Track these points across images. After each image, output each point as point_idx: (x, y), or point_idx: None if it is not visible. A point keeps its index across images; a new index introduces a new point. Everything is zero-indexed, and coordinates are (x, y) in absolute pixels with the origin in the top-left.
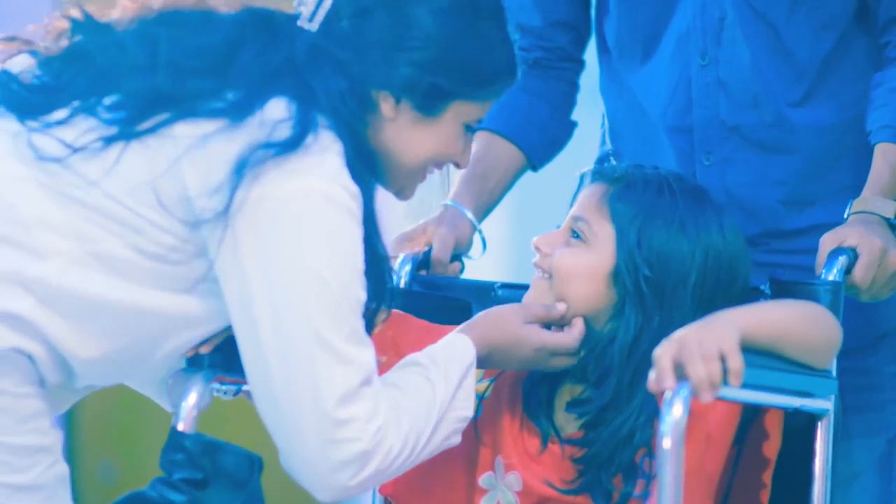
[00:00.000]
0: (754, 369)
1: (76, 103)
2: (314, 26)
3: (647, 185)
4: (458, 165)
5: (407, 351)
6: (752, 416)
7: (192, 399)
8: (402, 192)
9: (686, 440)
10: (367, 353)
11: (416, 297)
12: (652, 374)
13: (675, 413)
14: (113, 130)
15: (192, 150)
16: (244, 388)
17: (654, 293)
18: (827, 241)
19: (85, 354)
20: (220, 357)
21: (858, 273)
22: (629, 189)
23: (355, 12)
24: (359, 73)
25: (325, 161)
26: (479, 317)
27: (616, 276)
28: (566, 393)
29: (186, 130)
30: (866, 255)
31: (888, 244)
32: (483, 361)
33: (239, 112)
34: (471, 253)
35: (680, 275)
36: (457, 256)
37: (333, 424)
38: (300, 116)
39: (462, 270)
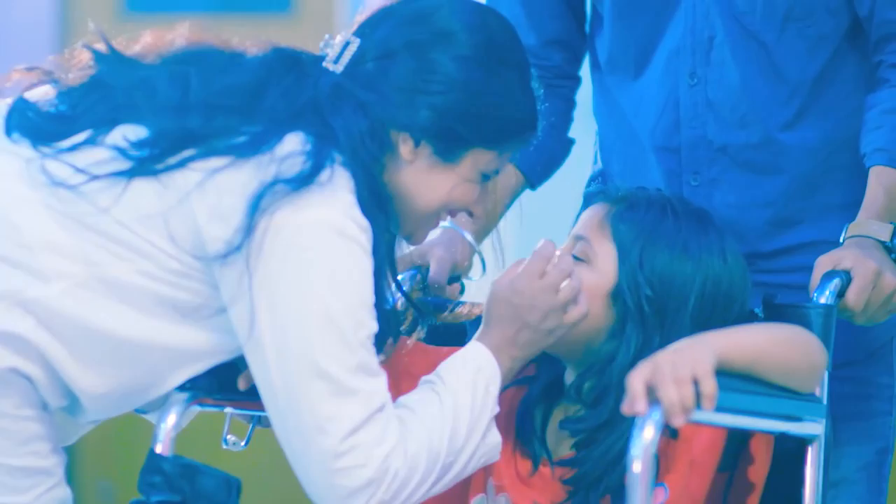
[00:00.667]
0: (730, 393)
1: (90, 132)
2: (339, 68)
3: (650, 207)
4: (470, 214)
5: (421, 376)
6: (741, 440)
7: (170, 421)
8: (413, 237)
9: (672, 464)
10: (375, 384)
11: None
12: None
13: (645, 436)
14: (130, 164)
15: (203, 184)
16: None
17: (656, 313)
18: (822, 264)
19: (86, 382)
20: (204, 379)
21: (851, 296)
22: (632, 210)
23: (380, 55)
24: (380, 113)
25: (336, 195)
26: (487, 308)
27: (616, 295)
28: (561, 413)
29: (199, 165)
30: (860, 279)
31: (883, 267)
32: (511, 347)
33: (254, 146)
34: (471, 274)
35: (681, 296)
36: (456, 278)
37: (335, 456)
38: (315, 151)
39: (462, 292)
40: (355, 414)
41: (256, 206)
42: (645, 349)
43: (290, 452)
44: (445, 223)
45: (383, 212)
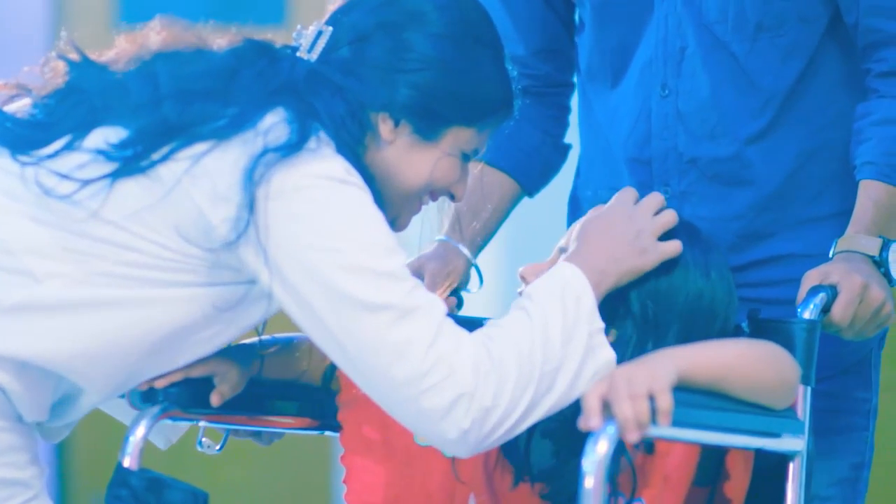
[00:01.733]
0: (689, 409)
1: (69, 138)
2: (314, 56)
3: None
4: (452, 198)
5: None
6: (719, 456)
7: (139, 433)
8: (397, 221)
9: (648, 479)
10: (429, 296)
11: None
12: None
13: (598, 451)
14: (115, 165)
15: (191, 171)
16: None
17: (654, 321)
18: (809, 279)
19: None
20: (176, 392)
21: (837, 311)
22: None
23: (354, 38)
24: (358, 95)
25: (328, 156)
26: (583, 228)
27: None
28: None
29: (183, 154)
30: (846, 293)
31: (870, 281)
32: (601, 260)
33: (235, 126)
34: (469, 287)
35: (669, 310)
36: (453, 291)
37: (420, 376)
38: (299, 121)
39: (461, 306)
40: (426, 328)
41: (251, 178)
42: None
43: (376, 396)
44: (441, 236)
45: (371, 194)
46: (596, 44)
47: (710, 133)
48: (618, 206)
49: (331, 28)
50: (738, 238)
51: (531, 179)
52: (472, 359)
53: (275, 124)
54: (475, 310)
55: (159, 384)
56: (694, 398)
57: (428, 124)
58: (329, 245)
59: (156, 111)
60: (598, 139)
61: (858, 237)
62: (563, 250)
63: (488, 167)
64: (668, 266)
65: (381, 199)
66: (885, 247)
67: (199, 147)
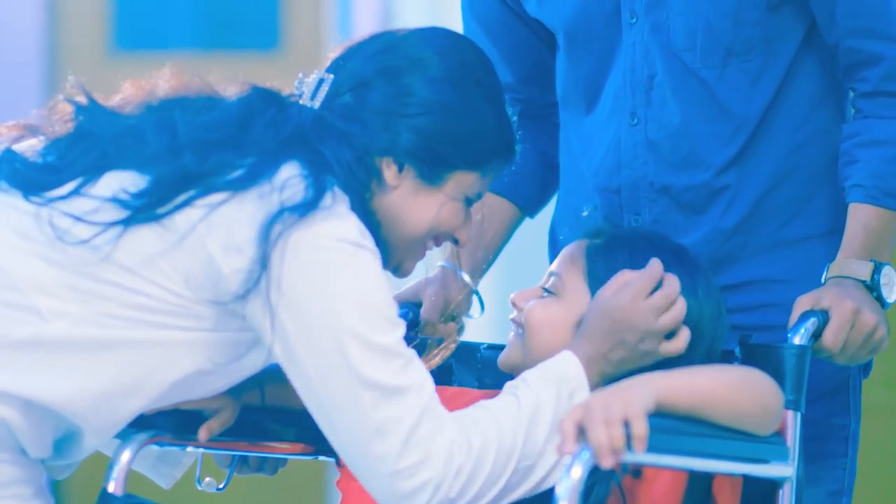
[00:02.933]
0: (666, 435)
1: (80, 180)
2: (316, 104)
3: (624, 242)
4: (456, 242)
5: None
6: (707, 482)
7: (124, 458)
8: (401, 268)
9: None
10: (420, 375)
11: None
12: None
13: (572, 476)
14: (130, 212)
15: (207, 218)
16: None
17: None
18: (801, 304)
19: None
20: (163, 419)
21: (829, 336)
22: (606, 245)
23: (355, 85)
24: (363, 141)
25: (343, 214)
26: (588, 320)
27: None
28: None
29: (200, 202)
30: (837, 318)
31: (861, 305)
32: (601, 363)
33: (252, 178)
34: (471, 312)
35: None
36: (452, 318)
37: (397, 457)
38: (314, 178)
39: (461, 332)
40: (411, 410)
41: (267, 237)
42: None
43: (352, 465)
44: (442, 262)
45: (376, 240)
46: (569, 71)
47: (681, 161)
48: (634, 295)
49: (332, 75)
50: (710, 262)
51: (530, 201)
52: (448, 449)
53: (290, 178)
54: (477, 335)
55: (148, 411)
56: (672, 424)
57: (431, 168)
58: (335, 312)
59: (175, 160)
60: (573, 167)
61: (849, 262)
62: (553, 274)
63: (488, 192)
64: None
65: (386, 244)
66: (876, 270)
67: (216, 197)
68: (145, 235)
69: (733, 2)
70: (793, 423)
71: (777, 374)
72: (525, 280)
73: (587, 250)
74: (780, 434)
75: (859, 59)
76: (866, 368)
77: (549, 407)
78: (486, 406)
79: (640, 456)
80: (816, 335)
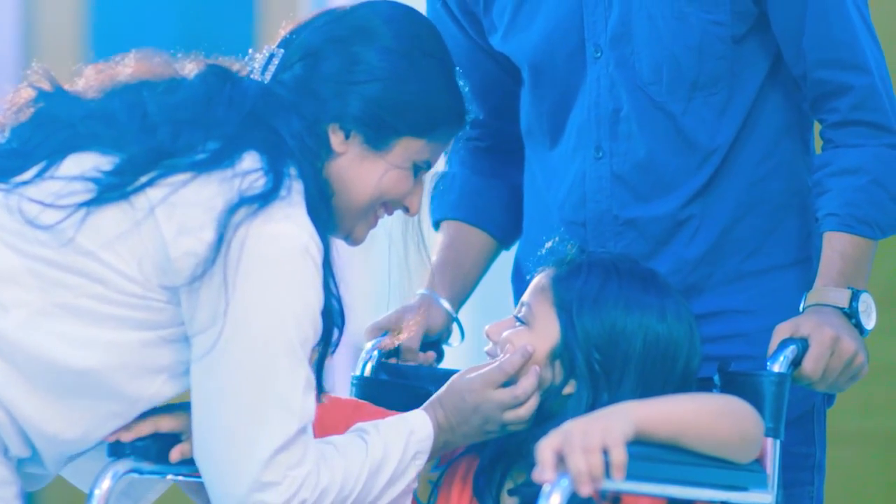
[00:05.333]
0: (644, 462)
1: (43, 164)
2: (266, 77)
3: (593, 269)
4: (407, 211)
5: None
6: None
7: (104, 485)
8: (352, 235)
9: None
10: (311, 401)
11: (380, 385)
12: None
13: None
14: (99, 191)
15: (167, 199)
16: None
17: (603, 372)
18: (780, 332)
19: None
20: (143, 446)
21: (809, 363)
22: (574, 272)
23: (304, 55)
24: (312, 111)
25: (297, 211)
26: (444, 390)
27: (555, 356)
28: (518, 477)
29: (164, 182)
30: (816, 346)
31: (840, 332)
32: (448, 432)
33: (216, 161)
34: (450, 341)
35: (624, 356)
36: (434, 344)
37: (263, 468)
38: (273, 168)
39: (440, 359)
40: (289, 429)
41: (227, 224)
42: (595, 407)
43: (210, 462)
44: (422, 290)
45: (328, 210)
46: (533, 105)
47: (647, 194)
48: (485, 383)
49: (282, 50)
50: None
51: (506, 233)
52: (301, 482)
53: (251, 170)
54: (454, 362)
55: (126, 438)
56: (651, 451)
57: (378, 135)
58: (279, 317)
59: (149, 138)
60: (537, 200)
61: (827, 290)
62: (524, 304)
63: (463, 224)
64: (621, 312)
65: (335, 212)
66: (854, 297)
67: (180, 177)
68: (109, 215)
69: (698, 35)
70: (772, 450)
71: (756, 401)
72: (497, 311)
73: (553, 279)
74: (759, 461)
75: (828, 90)
76: (830, 398)
77: (394, 460)
78: (336, 444)
79: (618, 483)
80: (796, 363)
